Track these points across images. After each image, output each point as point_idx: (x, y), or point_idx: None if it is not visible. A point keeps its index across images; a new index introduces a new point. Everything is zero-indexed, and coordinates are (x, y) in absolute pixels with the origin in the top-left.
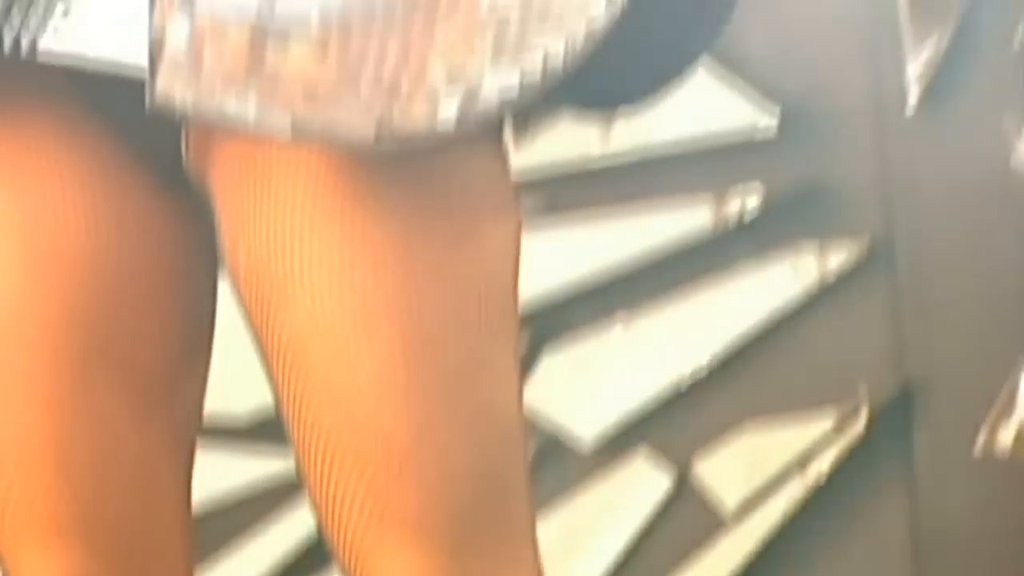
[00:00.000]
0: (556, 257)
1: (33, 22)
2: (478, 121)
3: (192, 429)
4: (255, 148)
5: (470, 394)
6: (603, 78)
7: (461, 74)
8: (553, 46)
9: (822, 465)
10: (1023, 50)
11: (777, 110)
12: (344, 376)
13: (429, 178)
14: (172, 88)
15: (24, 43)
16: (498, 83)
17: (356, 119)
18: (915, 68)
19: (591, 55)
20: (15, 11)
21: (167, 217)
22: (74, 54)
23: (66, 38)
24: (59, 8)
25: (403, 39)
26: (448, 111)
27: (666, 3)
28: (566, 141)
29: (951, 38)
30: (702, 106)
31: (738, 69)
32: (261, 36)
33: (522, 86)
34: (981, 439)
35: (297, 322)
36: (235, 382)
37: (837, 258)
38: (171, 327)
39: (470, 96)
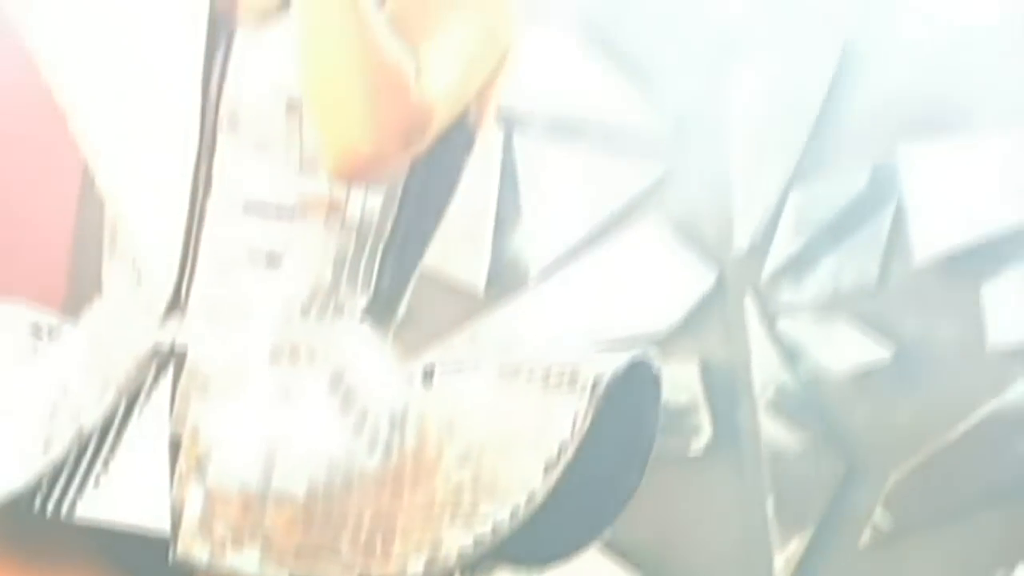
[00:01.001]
0: None
1: (71, 493)
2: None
3: None
4: None
5: None
6: (533, 541)
7: (425, 537)
8: (500, 514)
9: None
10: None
11: None
12: None
13: None
14: (191, 548)
15: (63, 510)
16: (456, 545)
17: (339, 574)
18: (780, 560)
19: (529, 520)
20: (57, 486)
21: None
22: (104, 519)
23: (97, 506)
24: (91, 482)
25: (376, 508)
26: (416, 568)
27: (584, 485)
28: None
29: (811, 537)
30: None
31: (632, 559)
32: (260, 504)
33: (475, 546)
34: None
35: None
36: None
37: None
38: None
39: (433, 555)
